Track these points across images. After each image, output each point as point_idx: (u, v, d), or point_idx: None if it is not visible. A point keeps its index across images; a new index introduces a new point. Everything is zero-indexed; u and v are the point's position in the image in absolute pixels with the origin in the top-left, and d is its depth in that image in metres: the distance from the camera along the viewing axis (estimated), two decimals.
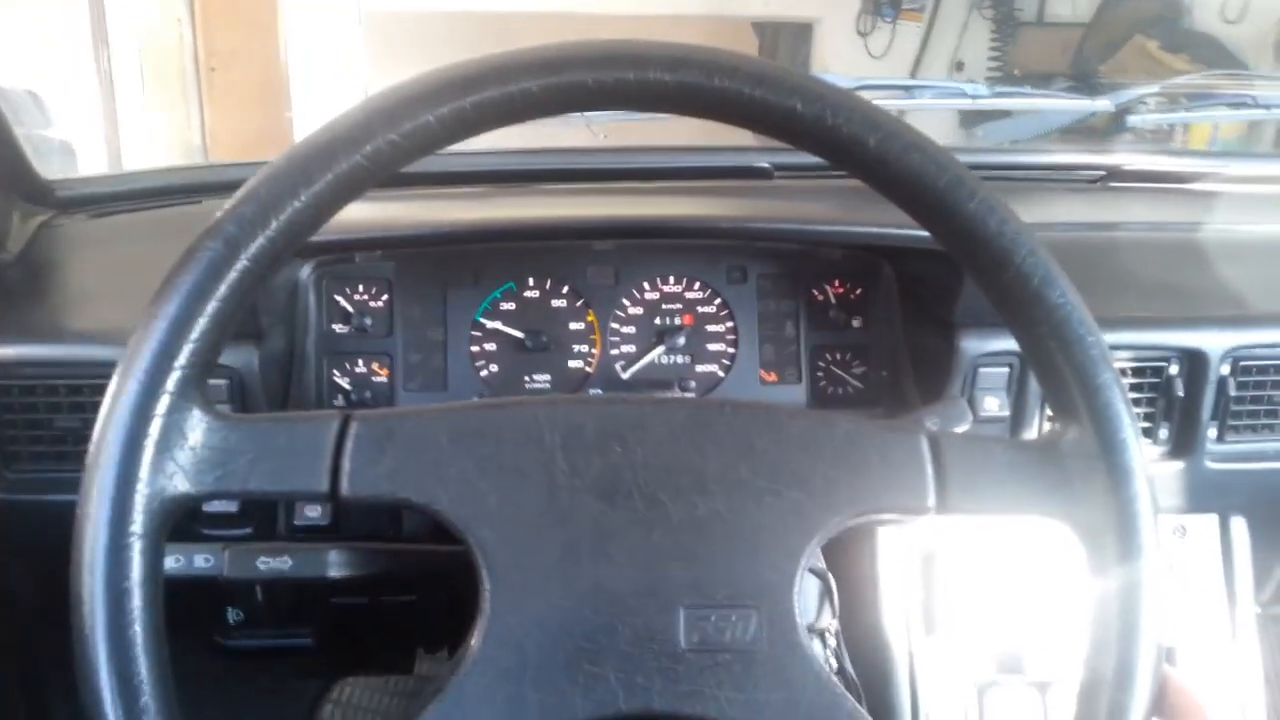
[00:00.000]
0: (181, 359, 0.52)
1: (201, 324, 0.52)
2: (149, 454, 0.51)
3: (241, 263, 0.52)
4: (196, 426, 0.53)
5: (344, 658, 1.22)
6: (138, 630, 0.50)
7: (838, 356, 1.05)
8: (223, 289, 0.52)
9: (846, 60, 4.99)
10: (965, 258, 0.57)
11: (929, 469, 0.57)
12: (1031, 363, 0.58)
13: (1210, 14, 3.92)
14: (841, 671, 0.82)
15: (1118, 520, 0.54)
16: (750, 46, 5.68)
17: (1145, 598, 0.54)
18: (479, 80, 0.52)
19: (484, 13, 4.85)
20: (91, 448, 0.51)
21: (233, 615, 0.97)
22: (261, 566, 0.78)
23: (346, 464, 0.54)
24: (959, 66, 4.93)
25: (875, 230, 0.95)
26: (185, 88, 5.59)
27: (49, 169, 1.07)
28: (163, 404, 0.52)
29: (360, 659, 1.25)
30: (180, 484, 0.52)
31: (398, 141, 0.53)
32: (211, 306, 0.52)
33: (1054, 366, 0.56)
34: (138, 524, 0.51)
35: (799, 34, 5.44)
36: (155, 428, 0.51)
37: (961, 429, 0.78)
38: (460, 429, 0.56)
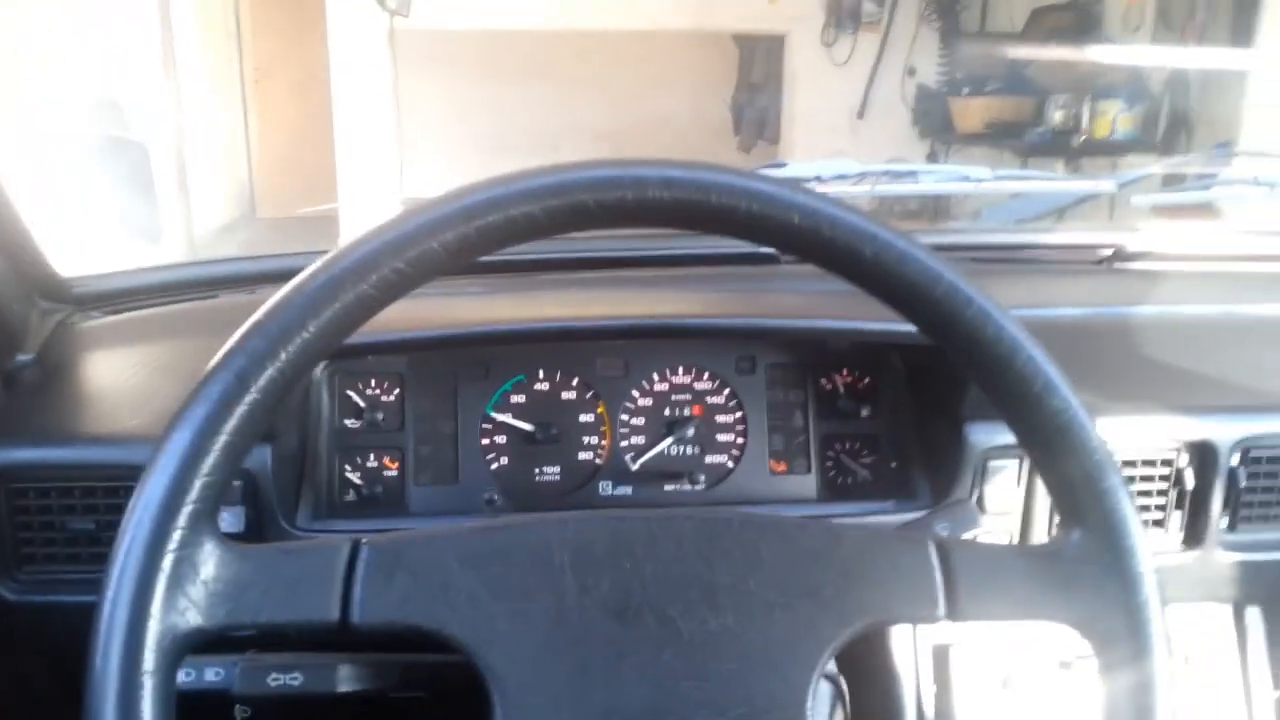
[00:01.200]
0: (194, 494, 0.52)
1: (213, 458, 0.53)
2: (160, 590, 0.52)
3: (251, 395, 0.53)
4: (208, 559, 0.53)
5: None
6: None
7: (847, 446, 1.05)
8: (233, 422, 0.53)
9: (813, 67, 5.62)
10: (966, 361, 0.58)
11: (938, 577, 0.57)
12: (1036, 466, 0.59)
13: (1115, 25, 4.65)
14: None
15: (1128, 625, 0.55)
16: (732, 56, 6.22)
17: (1158, 700, 0.54)
18: (482, 208, 0.54)
19: (498, 30, 5.19)
20: (106, 585, 0.51)
21: (240, 713, 0.96)
22: (272, 683, 0.78)
23: (357, 592, 0.55)
24: (911, 71, 5.58)
25: (884, 327, 0.96)
26: (236, 94, 5.87)
27: (74, 267, 1.09)
28: (175, 539, 0.52)
29: None
30: (193, 619, 0.52)
31: (404, 269, 0.54)
32: (222, 441, 0.53)
33: (1058, 471, 0.57)
34: (149, 661, 0.51)
35: (772, 45, 5.96)
36: (168, 563, 0.52)
37: (971, 533, 0.78)
38: (469, 551, 0.57)
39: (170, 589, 0.52)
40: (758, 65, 6.22)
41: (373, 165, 4.94)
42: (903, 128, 5.62)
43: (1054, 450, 0.56)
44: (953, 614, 0.57)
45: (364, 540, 0.56)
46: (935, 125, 5.38)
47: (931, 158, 5.30)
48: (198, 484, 0.53)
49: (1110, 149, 4.46)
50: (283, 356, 0.54)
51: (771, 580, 0.57)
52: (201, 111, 5.60)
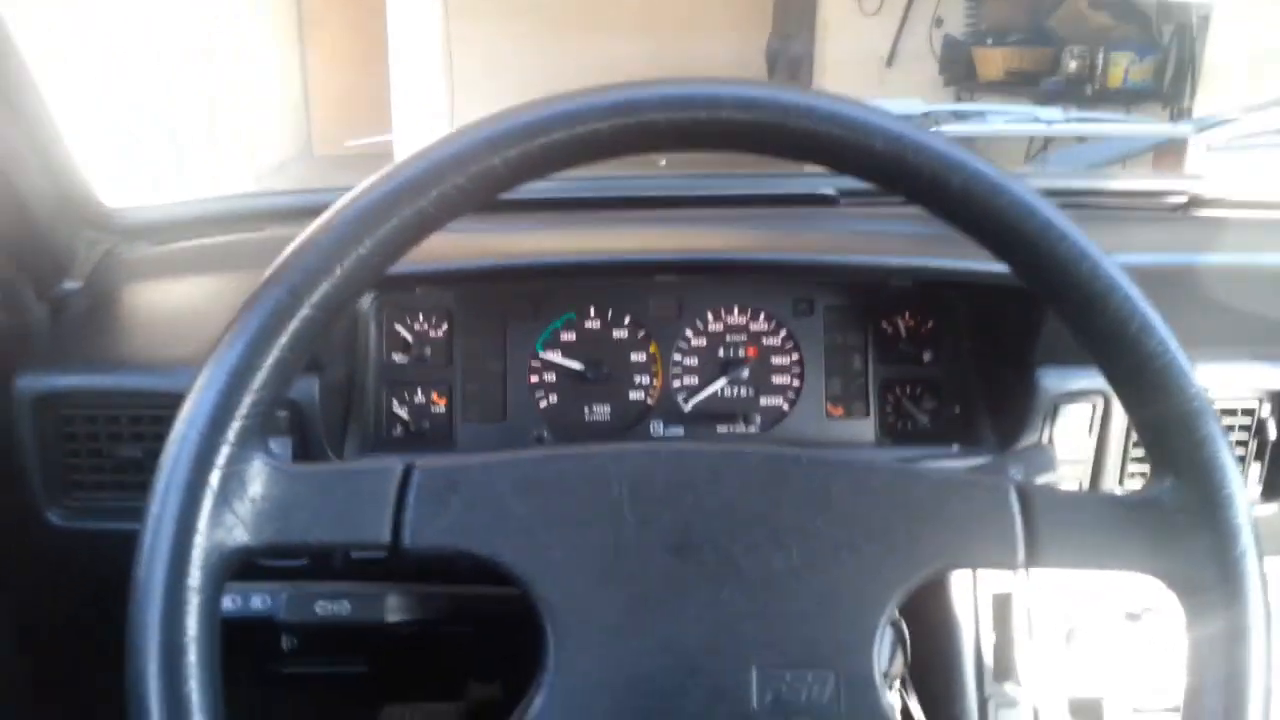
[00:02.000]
0: (243, 409, 0.51)
1: (264, 374, 0.51)
2: (208, 506, 0.50)
3: (305, 310, 0.51)
4: (256, 477, 0.52)
5: (395, 684, 1.21)
6: (193, 688, 0.48)
7: (908, 391, 1.01)
8: (285, 338, 0.51)
9: (844, 16, 5.73)
10: (1055, 301, 0.55)
11: (1018, 523, 0.54)
12: (1128, 410, 0.55)
13: None
14: (909, 718, 0.79)
15: (1222, 578, 0.52)
16: (767, 3, 6.26)
17: (1253, 651, 0.51)
18: (547, 123, 0.51)
19: None
20: (151, 500, 0.50)
21: (287, 642, 0.96)
22: (319, 610, 0.77)
23: (409, 515, 0.53)
24: (939, 22, 5.68)
25: (950, 265, 0.92)
26: (293, 34, 5.97)
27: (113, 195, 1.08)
28: (223, 455, 0.50)
29: (411, 686, 1.24)
30: (239, 536, 0.51)
31: (464, 185, 0.51)
32: (274, 356, 0.51)
33: (1153, 416, 0.53)
34: (195, 578, 0.49)
35: None
36: (215, 479, 0.50)
37: (1047, 478, 0.75)
38: (524, 479, 0.54)
39: (217, 506, 0.50)
40: (792, 13, 6.24)
41: (426, 102, 5.03)
42: (929, 76, 5.71)
43: (1149, 394, 0.53)
44: (1032, 561, 0.54)
45: (417, 464, 0.55)
46: (959, 74, 5.50)
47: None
48: (247, 400, 0.51)
49: (1122, 97, 4.61)
50: (337, 272, 0.52)
51: (840, 521, 0.54)
52: (259, 50, 5.69)
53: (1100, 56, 4.75)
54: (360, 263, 0.52)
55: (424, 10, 5.18)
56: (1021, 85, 5.04)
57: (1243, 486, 0.53)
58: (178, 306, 0.97)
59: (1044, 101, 4.74)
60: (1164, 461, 0.54)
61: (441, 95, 5.43)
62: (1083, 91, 4.74)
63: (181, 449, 0.50)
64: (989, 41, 5.35)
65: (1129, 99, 4.63)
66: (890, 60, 5.77)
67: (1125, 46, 4.71)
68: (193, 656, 0.49)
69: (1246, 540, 0.52)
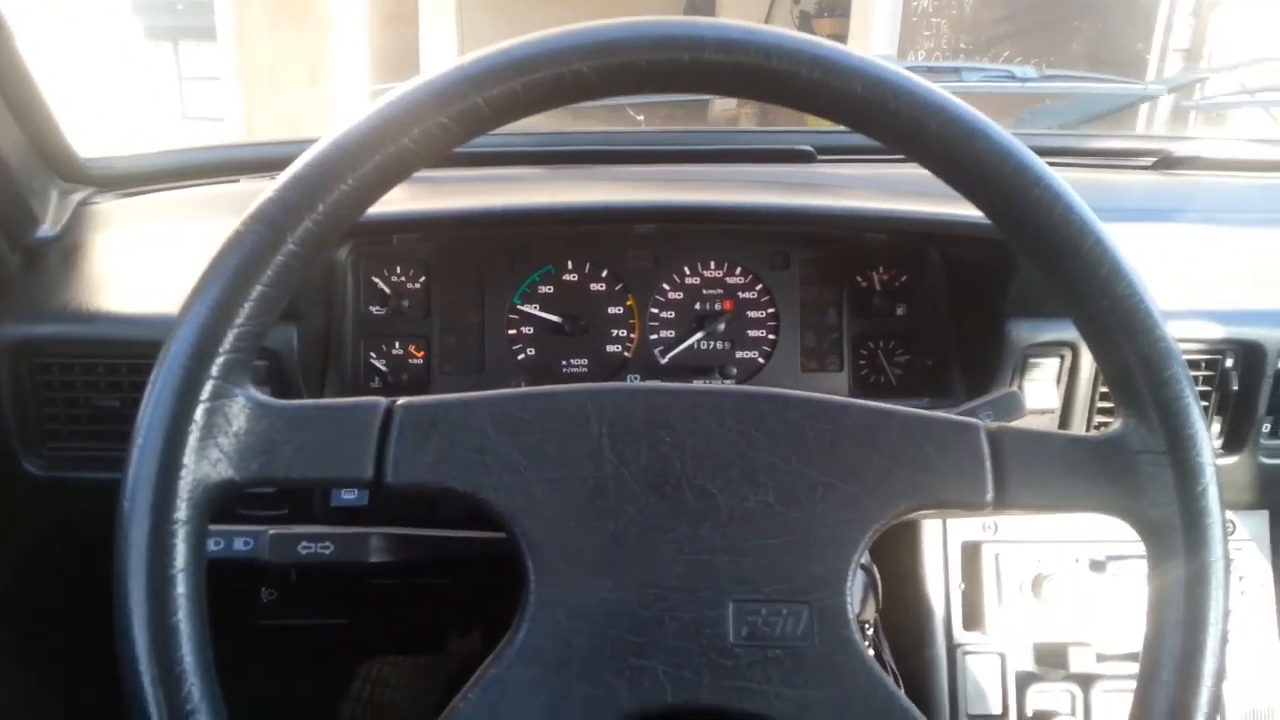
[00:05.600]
0: (226, 344, 0.51)
1: (247, 309, 0.51)
2: (193, 440, 0.51)
3: (287, 247, 0.51)
4: (241, 412, 0.52)
5: (375, 637, 1.22)
6: (181, 619, 0.49)
7: (881, 345, 1.03)
8: (268, 273, 0.51)
9: None
10: (1027, 246, 0.55)
11: (988, 463, 0.56)
12: (1096, 354, 0.56)
13: None
14: (880, 663, 0.80)
15: (1184, 517, 0.53)
16: None
17: (1213, 592, 0.52)
18: (530, 62, 0.51)
19: None
20: (136, 434, 0.50)
21: (266, 595, 0.96)
22: (303, 551, 0.78)
23: (391, 451, 0.54)
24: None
25: (924, 215, 0.93)
26: None
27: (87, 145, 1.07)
28: (207, 389, 0.51)
29: (391, 639, 1.25)
30: (224, 470, 0.51)
31: (447, 124, 0.52)
32: (256, 291, 0.51)
33: (1119, 359, 0.54)
34: (181, 511, 0.50)
35: None
36: (199, 414, 0.51)
37: (1016, 422, 0.76)
38: (505, 417, 0.55)
39: (202, 440, 0.51)
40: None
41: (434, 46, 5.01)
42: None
43: (1116, 336, 0.54)
44: (1000, 501, 0.56)
45: (399, 401, 0.55)
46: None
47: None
48: (231, 333, 0.51)
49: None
50: (320, 209, 0.52)
51: (815, 460, 0.56)
52: None
53: None
54: (343, 200, 0.52)
55: None
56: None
57: (1205, 428, 0.54)
58: (154, 256, 0.97)
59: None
60: (1129, 403, 0.55)
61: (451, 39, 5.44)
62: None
63: (166, 382, 0.50)
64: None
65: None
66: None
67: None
68: (181, 588, 0.50)
69: (1208, 479, 0.53)
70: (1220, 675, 0.52)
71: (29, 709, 1.12)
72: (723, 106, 4.08)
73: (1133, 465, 0.54)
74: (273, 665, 1.26)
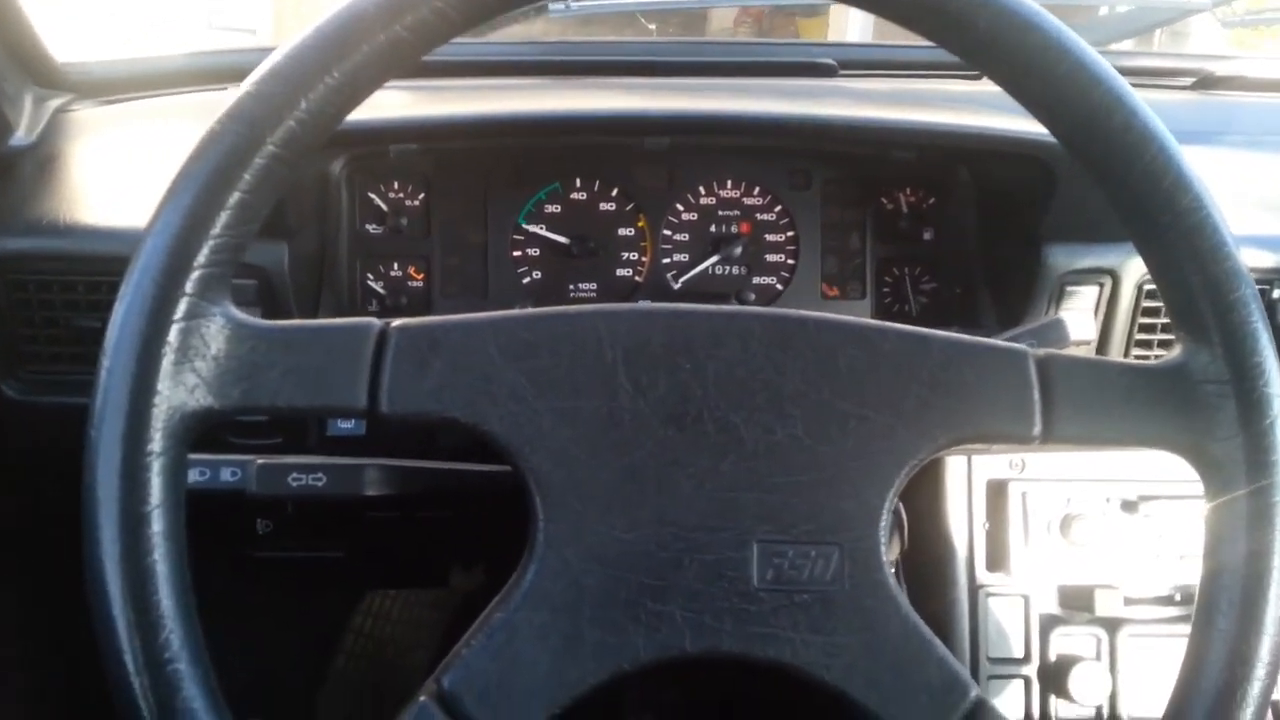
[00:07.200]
0: (202, 257, 0.46)
1: (224, 217, 0.46)
2: (167, 364, 0.46)
3: (268, 148, 0.46)
4: (219, 334, 0.47)
5: (375, 571, 1.19)
6: (157, 559, 0.45)
7: (907, 271, 0.97)
8: (247, 178, 0.46)
9: None
10: (1084, 153, 0.51)
11: (1035, 393, 0.51)
12: (1155, 275, 0.52)
13: None
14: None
15: (1248, 451, 0.49)
16: None
17: (1278, 532, 0.48)
18: None
19: None
20: (103, 357, 0.45)
21: (262, 526, 0.93)
22: (293, 483, 0.73)
23: (386, 378, 0.49)
24: None
25: (958, 127, 0.87)
26: None
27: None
28: (182, 307, 0.46)
29: (391, 572, 1.22)
30: (202, 397, 0.47)
31: (442, 8, 0.46)
32: (234, 198, 0.46)
33: (1182, 279, 0.50)
34: (155, 442, 0.45)
35: None
36: (174, 334, 0.46)
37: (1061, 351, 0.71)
38: (512, 340, 0.50)
39: (177, 364, 0.46)
40: None
41: None
42: None
43: (1179, 254, 0.49)
44: (1049, 434, 0.51)
45: (394, 323, 0.50)
46: None
47: None
48: (206, 246, 0.46)
49: None
50: (303, 106, 0.47)
51: (848, 389, 0.51)
52: None
53: None
54: (329, 96, 0.47)
55: None
56: None
57: (1274, 355, 0.49)
58: (137, 165, 0.91)
59: None
60: (1190, 329, 0.50)
61: None
62: None
63: (135, 300, 0.46)
64: None
65: None
66: None
67: None
68: (156, 526, 0.45)
69: (1276, 412, 0.49)
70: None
71: (21, 642, 1.09)
72: (720, 25, 3.96)
73: (1194, 396, 0.50)
74: (272, 598, 1.23)
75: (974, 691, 0.50)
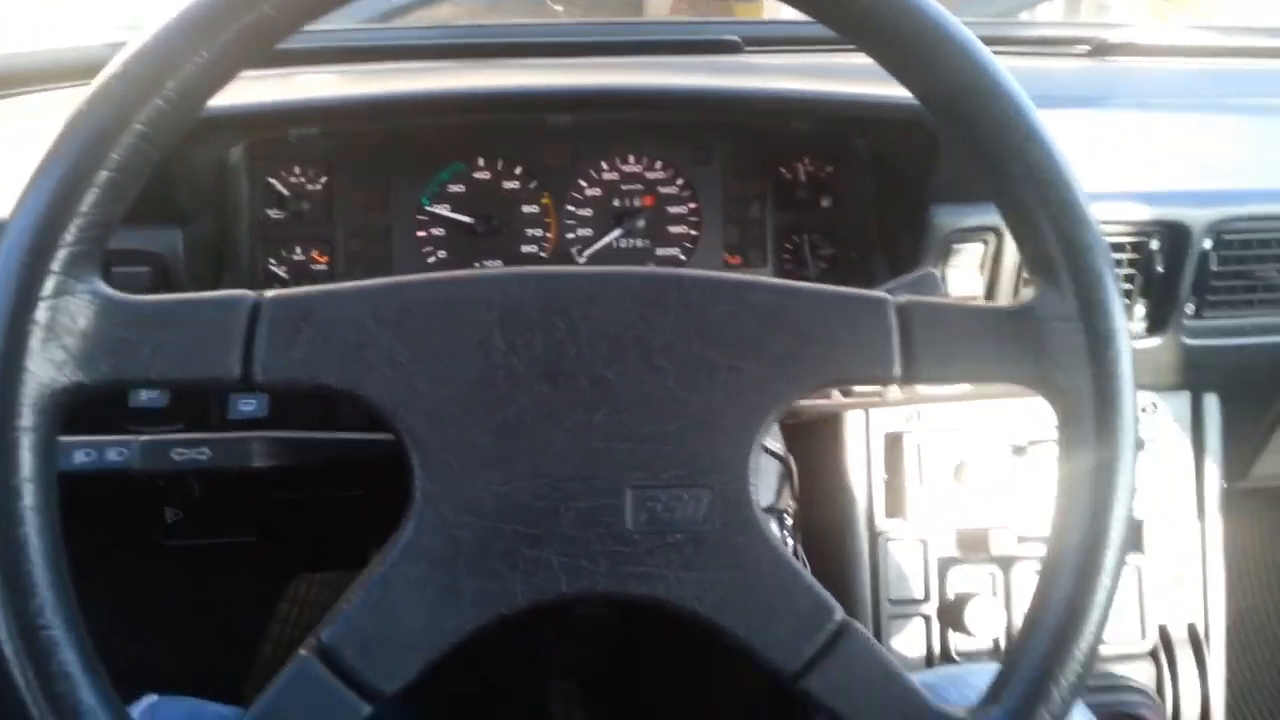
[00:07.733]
0: (69, 235, 0.47)
1: (91, 196, 0.47)
2: (35, 342, 0.46)
3: (135, 128, 0.47)
4: (87, 310, 0.48)
5: (296, 555, 1.19)
6: (28, 531, 0.45)
7: (806, 237, 1.00)
8: (114, 157, 0.47)
9: None
10: (945, 113, 0.53)
11: (894, 336, 0.53)
12: (1009, 219, 0.55)
13: None
14: (794, 553, 0.79)
15: (1095, 385, 0.51)
16: None
17: (1122, 466, 0.51)
18: None
19: None
20: None
21: (170, 514, 0.92)
22: (177, 458, 0.73)
23: (260, 348, 0.50)
24: None
25: (849, 95, 0.89)
26: None
27: None
28: (49, 285, 0.47)
29: (313, 556, 1.22)
30: (70, 374, 0.47)
31: None
32: (103, 176, 0.47)
33: (1033, 224, 0.52)
34: (25, 418, 0.46)
35: None
36: (41, 312, 0.47)
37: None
38: (385, 307, 0.51)
39: (45, 341, 0.47)
40: None
41: None
42: None
43: (1030, 203, 0.52)
44: (909, 374, 0.53)
45: (267, 294, 0.51)
46: None
47: None
48: (74, 223, 0.47)
49: None
50: (169, 86, 0.47)
51: (717, 341, 0.53)
52: None
53: None
54: (197, 76, 0.47)
55: None
56: None
57: (1120, 294, 0.52)
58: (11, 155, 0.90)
59: None
60: (1041, 270, 0.53)
61: None
62: None
63: (1, 278, 0.46)
64: None
65: None
66: None
67: None
68: (28, 499, 0.46)
69: (1120, 346, 0.51)
70: (1119, 567, 0.51)
71: None
72: (657, 14, 3.96)
73: (1043, 332, 0.52)
74: (197, 589, 1.22)
75: (839, 614, 0.52)
